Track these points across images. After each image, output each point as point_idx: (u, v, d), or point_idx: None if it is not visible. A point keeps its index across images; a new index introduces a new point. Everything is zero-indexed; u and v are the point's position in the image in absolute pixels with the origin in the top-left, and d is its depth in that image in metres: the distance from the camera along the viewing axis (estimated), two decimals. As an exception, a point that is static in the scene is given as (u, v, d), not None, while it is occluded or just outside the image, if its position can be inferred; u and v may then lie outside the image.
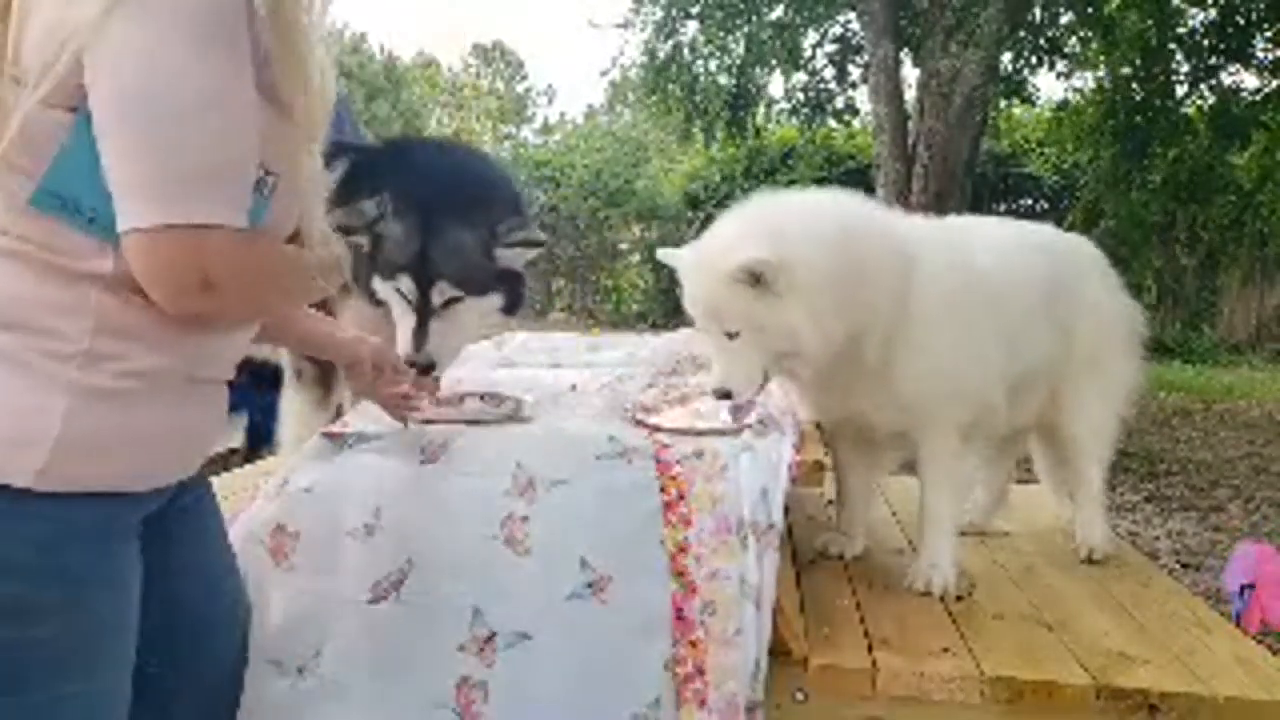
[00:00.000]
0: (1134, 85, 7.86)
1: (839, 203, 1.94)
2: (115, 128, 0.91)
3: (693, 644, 1.43)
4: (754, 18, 9.00)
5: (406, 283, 1.65)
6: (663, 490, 1.51)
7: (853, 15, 8.62)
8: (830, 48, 9.47)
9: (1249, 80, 7.99)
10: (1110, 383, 2.29)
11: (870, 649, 1.68)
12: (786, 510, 1.57)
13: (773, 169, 11.96)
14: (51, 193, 0.94)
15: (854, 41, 9.16)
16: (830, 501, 2.56)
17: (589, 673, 1.41)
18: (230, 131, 0.95)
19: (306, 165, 1.08)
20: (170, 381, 1.04)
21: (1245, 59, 7.73)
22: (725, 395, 1.76)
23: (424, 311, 1.67)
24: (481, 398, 1.82)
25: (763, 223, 1.78)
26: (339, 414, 2.04)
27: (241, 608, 1.38)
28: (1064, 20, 8.22)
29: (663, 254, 1.96)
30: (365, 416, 1.70)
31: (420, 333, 1.66)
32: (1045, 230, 2.44)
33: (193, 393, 1.08)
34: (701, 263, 1.79)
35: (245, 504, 1.59)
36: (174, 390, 1.05)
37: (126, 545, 1.06)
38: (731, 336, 1.76)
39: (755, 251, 1.68)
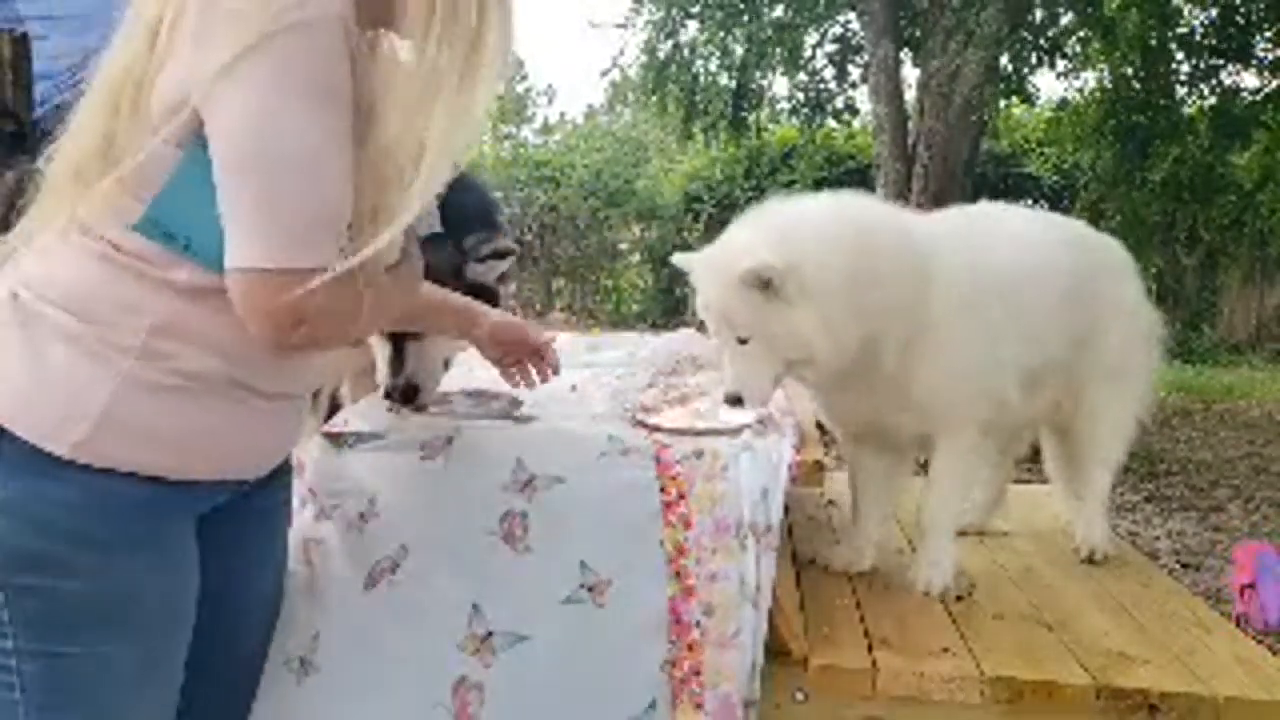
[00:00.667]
0: (1134, 85, 7.86)
1: (852, 206, 1.91)
2: (230, 177, 1.00)
3: (690, 646, 1.43)
4: (754, 18, 8.99)
5: None
6: (663, 491, 1.51)
7: (853, 15, 8.61)
8: (830, 48, 9.46)
9: (1249, 80, 8.00)
10: (1133, 388, 2.27)
11: (870, 649, 1.68)
12: (786, 510, 1.57)
13: (773, 169, 11.93)
14: (154, 221, 1.05)
15: (854, 41, 9.15)
16: (830, 502, 2.56)
17: (585, 676, 1.41)
18: (331, 182, 1.02)
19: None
20: (221, 386, 1.09)
21: (1245, 59, 7.73)
22: (737, 400, 1.75)
23: (398, 338, 1.65)
24: (477, 395, 1.81)
25: (774, 228, 1.77)
26: (333, 411, 2.04)
27: (278, 609, 1.44)
28: (1064, 20, 8.21)
29: (677, 258, 1.93)
30: (363, 416, 1.69)
31: (397, 360, 1.65)
32: (1075, 226, 2.38)
33: (253, 402, 1.13)
34: (712, 268, 1.79)
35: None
36: (225, 395, 1.10)
37: (173, 528, 1.12)
38: (743, 342, 1.74)
39: (764, 257, 1.67)
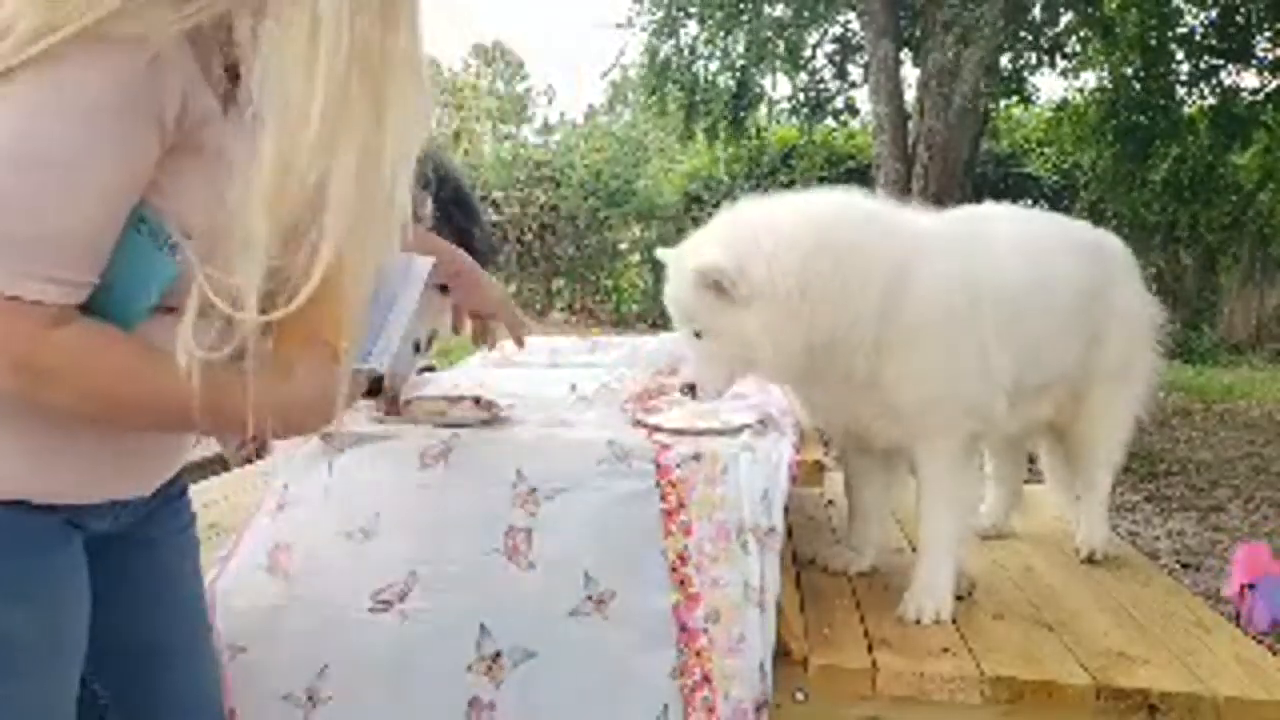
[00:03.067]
0: (1134, 85, 7.88)
1: (826, 208, 1.84)
2: None
3: (698, 653, 1.43)
4: (754, 18, 8.99)
5: None
6: (663, 499, 1.51)
7: (853, 15, 8.63)
8: (830, 48, 9.48)
9: (1249, 80, 8.02)
10: (1134, 388, 2.24)
11: (870, 649, 1.68)
12: (786, 511, 1.57)
13: (773, 169, 11.94)
14: None
15: (854, 41, 9.16)
16: (830, 502, 2.56)
17: (595, 688, 1.41)
18: (68, 203, 0.86)
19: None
20: None
21: (1245, 59, 7.74)
22: (691, 390, 1.77)
23: None
24: (455, 400, 1.78)
25: (737, 228, 1.76)
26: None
27: (208, 642, 1.28)
28: (1064, 20, 8.22)
29: (660, 253, 1.93)
30: (356, 417, 1.68)
31: None
32: (1079, 229, 2.30)
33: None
34: (676, 263, 1.80)
35: (249, 512, 1.58)
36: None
37: (49, 557, 0.99)
38: (700, 336, 1.76)
39: (715, 259, 1.68)
